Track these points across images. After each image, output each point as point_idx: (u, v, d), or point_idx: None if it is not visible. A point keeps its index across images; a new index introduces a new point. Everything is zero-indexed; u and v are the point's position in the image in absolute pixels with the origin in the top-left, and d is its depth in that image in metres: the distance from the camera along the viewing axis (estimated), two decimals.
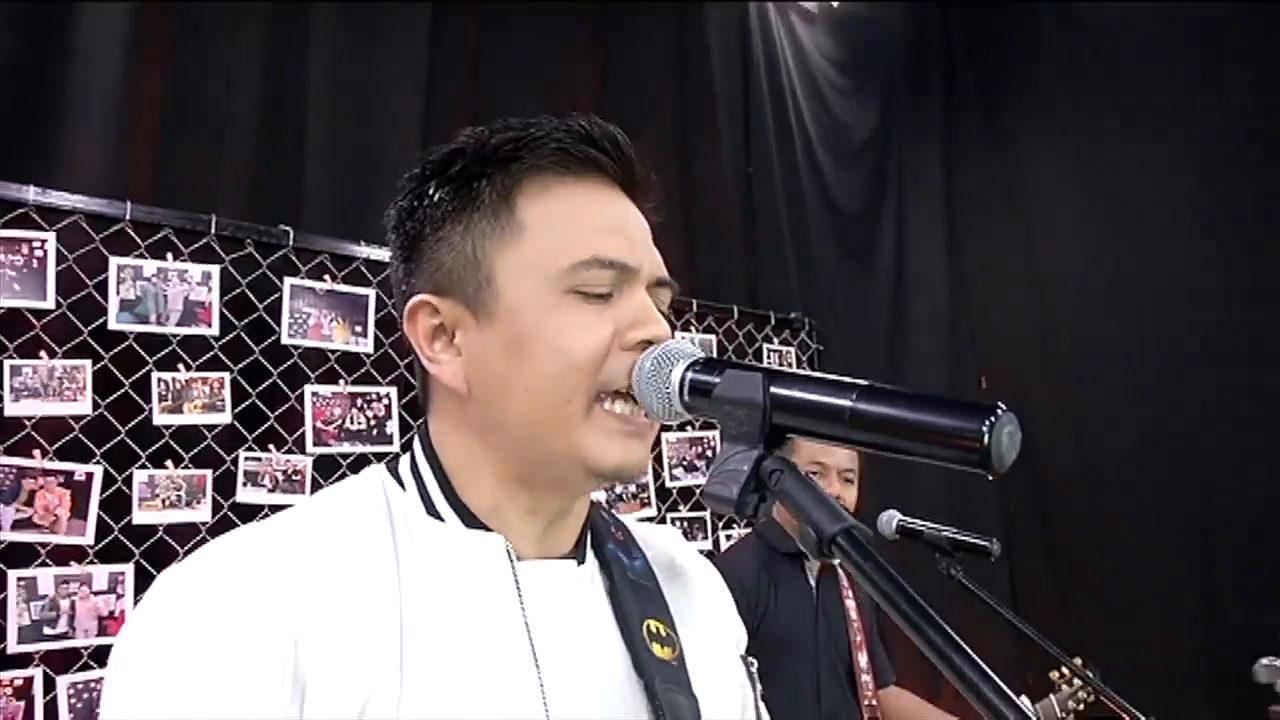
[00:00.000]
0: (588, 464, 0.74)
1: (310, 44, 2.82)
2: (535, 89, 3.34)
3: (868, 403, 0.61)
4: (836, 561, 1.92)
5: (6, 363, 2.03)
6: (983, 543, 1.90)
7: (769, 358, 3.49)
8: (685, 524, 3.16)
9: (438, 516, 0.77)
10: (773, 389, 0.65)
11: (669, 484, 3.14)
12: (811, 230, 4.14)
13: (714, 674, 0.84)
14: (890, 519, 2.12)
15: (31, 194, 2.09)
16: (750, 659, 0.90)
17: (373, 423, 2.53)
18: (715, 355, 3.20)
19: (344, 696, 0.65)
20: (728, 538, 3.19)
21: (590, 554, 0.83)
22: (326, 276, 2.53)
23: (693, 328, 3.30)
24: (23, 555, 1.99)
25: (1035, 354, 4.30)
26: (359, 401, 2.52)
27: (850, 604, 2.37)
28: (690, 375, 0.70)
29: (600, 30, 3.59)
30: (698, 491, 3.20)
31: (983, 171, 4.55)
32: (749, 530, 2.54)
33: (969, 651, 0.51)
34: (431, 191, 0.78)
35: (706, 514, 3.19)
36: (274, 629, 0.65)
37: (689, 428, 3.21)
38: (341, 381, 2.51)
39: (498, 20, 3.30)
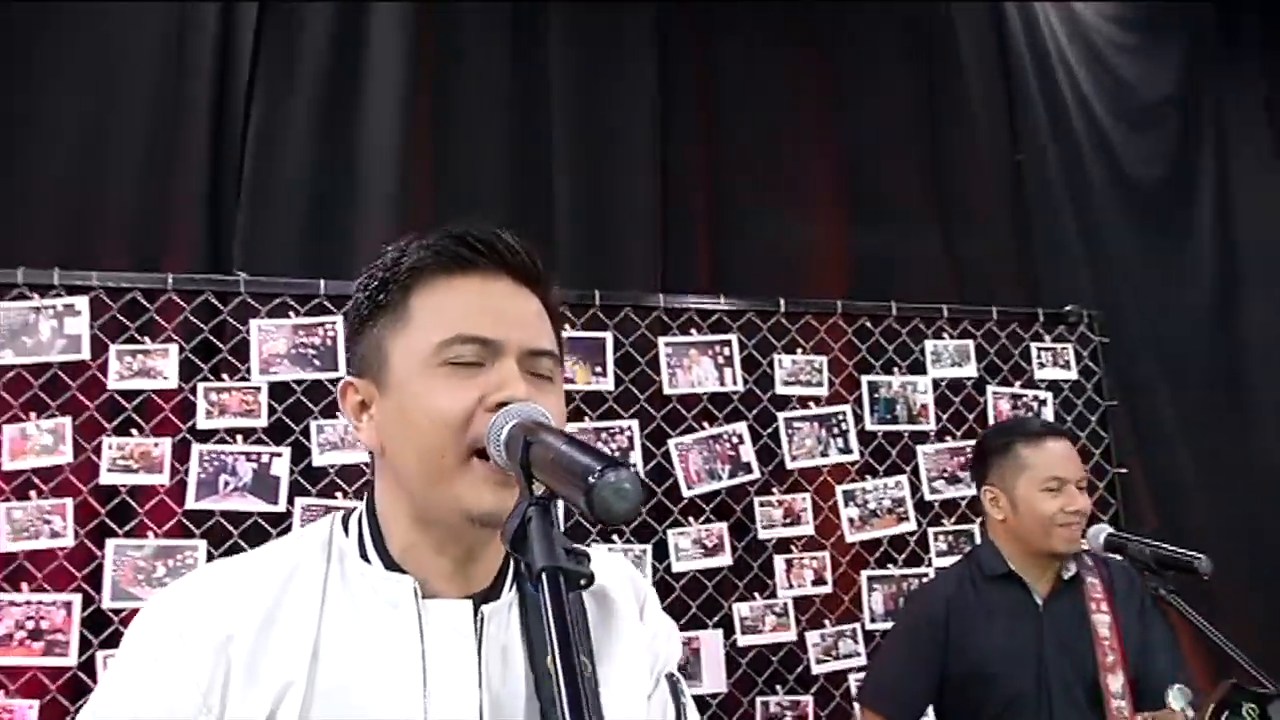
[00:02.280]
0: (464, 511, 0.88)
1: (552, 113, 3.16)
2: (768, 99, 3.42)
3: (545, 447, 0.74)
4: (1067, 575, 1.83)
5: (313, 423, 2.53)
6: (1191, 558, 1.71)
7: (1039, 357, 3.27)
8: (951, 538, 3.06)
9: (366, 559, 0.94)
10: (529, 449, 0.77)
11: (928, 497, 3.06)
12: (1101, 211, 3.79)
13: (628, 699, 0.95)
14: (1099, 532, 1.98)
15: (322, 286, 2.58)
16: (677, 676, 1.00)
17: (617, 453, 2.77)
18: (978, 363, 3.11)
19: (256, 707, 0.84)
20: None
21: (512, 589, 0.96)
22: (567, 324, 2.82)
23: (946, 335, 3.18)
24: None
25: None
26: (602, 435, 2.78)
27: (1101, 618, 2.17)
28: (510, 432, 0.81)
29: (828, 29, 3.57)
30: (962, 503, 3.09)
31: None
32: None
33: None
34: (359, 298, 0.98)
35: (974, 526, 3.06)
36: (203, 649, 0.86)
37: (947, 438, 3.12)
38: (586, 419, 2.78)
39: (722, 39, 3.43)
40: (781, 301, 3.01)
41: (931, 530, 3.05)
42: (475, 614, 0.92)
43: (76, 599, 2.34)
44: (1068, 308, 3.35)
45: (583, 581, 0.69)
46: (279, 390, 2.53)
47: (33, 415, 2.40)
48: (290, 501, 2.48)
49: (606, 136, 3.21)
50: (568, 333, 2.81)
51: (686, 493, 2.82)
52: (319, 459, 2.53)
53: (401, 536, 0.94)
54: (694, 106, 3.38)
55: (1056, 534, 2.08)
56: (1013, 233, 3.64)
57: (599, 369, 2.82)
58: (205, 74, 2.77)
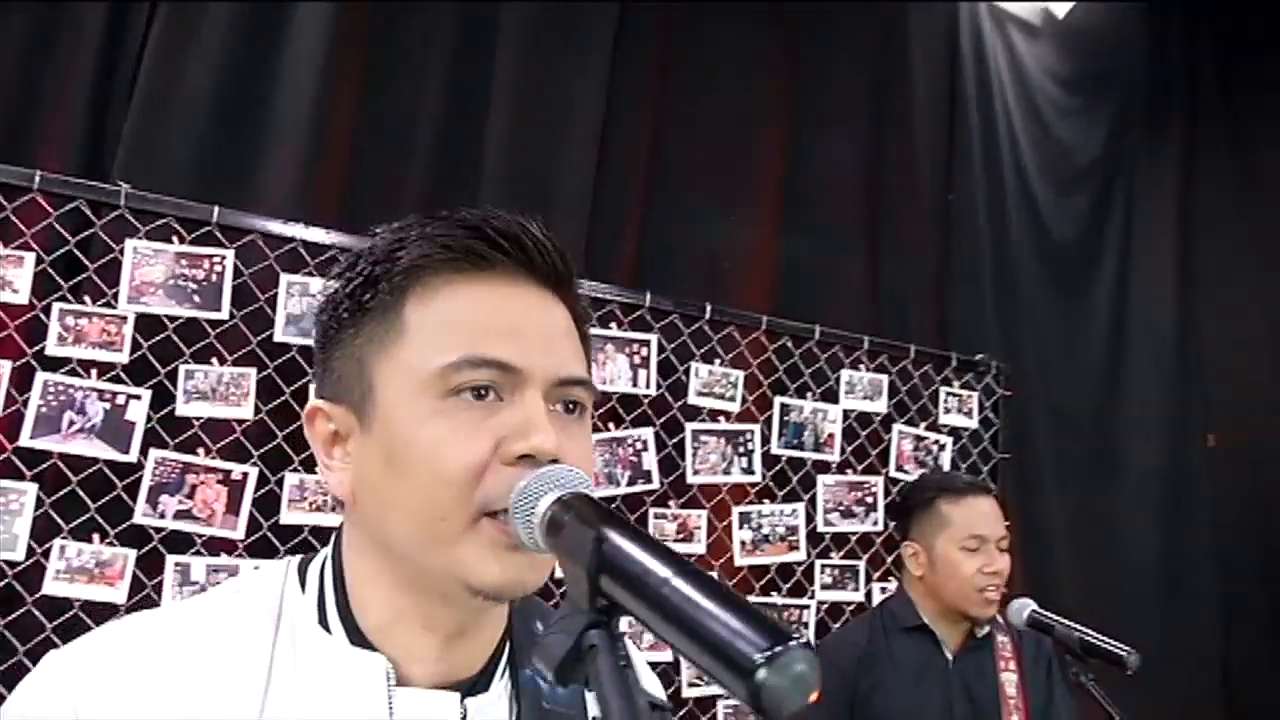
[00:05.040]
0: (467, 582, 0.69)
1: (493, 67, 2.91)
2: (719, 104, 3.29)
3: (679, 585, 0.52)
4: (983, 632, 1.77)
5: (182, 367, 2.23)
6: (1119, 650, 1.67)
7: (947, 402, 3.26)
8: (837, 571, 3.01)
9: (326, 628, 0.74)
10: (604, 547, 0.57)
11: (821, 528, 3.00)
12: (1017, 263, 3.82)
13: None
14: (1022, 608, 1.94)
15: (216, 214, 2.28)
16: None
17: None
18: (889, 399, 3.07)
19: None
20: (882, 590, 3.00)
21: (504, 678, 0.78)
22: None
23: (863, 366, 3.12)
24: (180, 543, 2.19)
25: (1277, 411, 3.77)
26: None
27: (1009, 677, 2.16)
28: (552, 510, 0.63)
29: (794, 38, 3.47)
30: (852, 538, 3.04)
31: (1224, 202, 4.04)
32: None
33: None
34: (336, 295, 0.76)
35: (860, 563, 3.02)
36: None
37: (848, 471, 3.06)
38: None
39: (684, 32, 3.27)
40: (708, 307, 2.87)
41: (819, 562, 2.98)
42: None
43: None
44: (979, 356, 3.35)
45: None
46: (147, 324, 2.21)
47: None
48: (143, 453, 2.17)
49: (550, 101, 2.98)
50: None
51: None
52: (183, 408, 2.23)
53: (378, 607, 0.74)
54: (644, 90, 3.19)
55: (973, 598, 2.04)
56: (934, 271, 3.63)
57: None
58: None
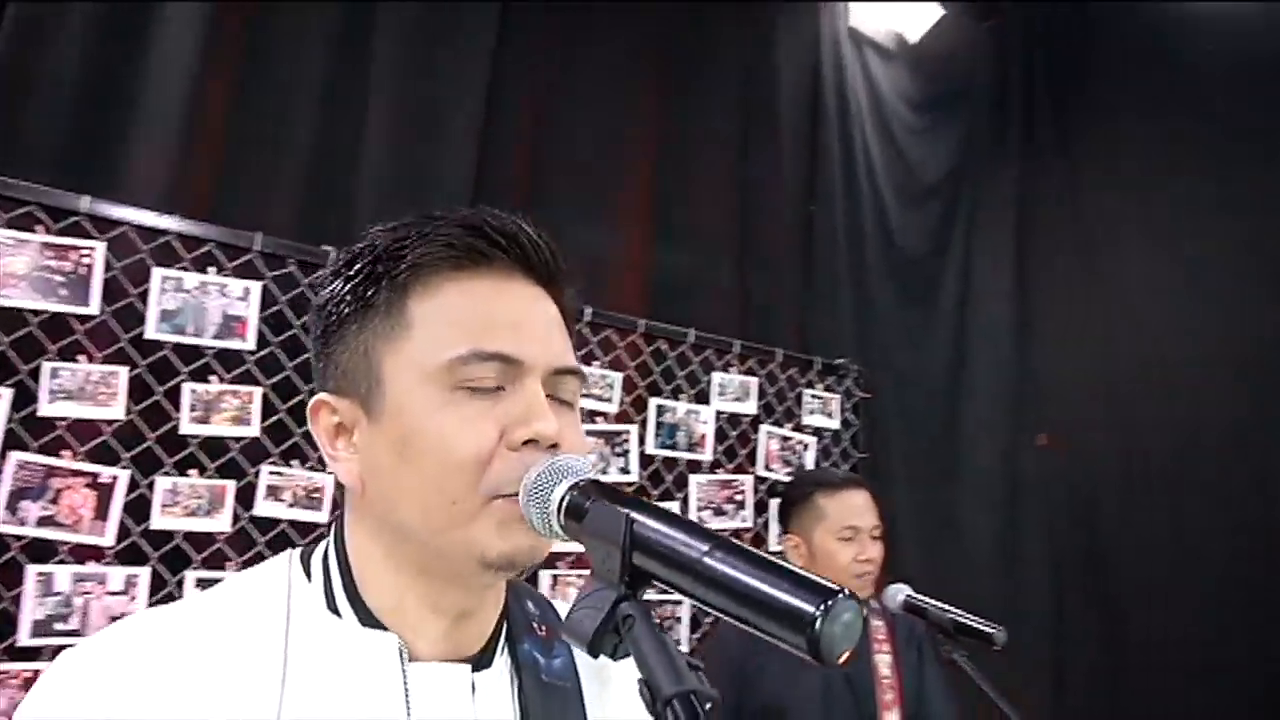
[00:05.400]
0: (481, 556, 0.73)
1: (372, 65, 2.88)
2: (596, 111, 3.35)
3: (718, 558, 0.59)
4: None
5: (46, 364, 2.11)
6: (989, 630, 1.84)
7: (810, 403, 3.43)
8: None
9: (336, 612, 0.77)
10: (635, 529, 0.63)
11: None
12: (871, 273, 4.06)
13: None
14: (897, 592, 2.08)
15: (85, 203, 2.17)
16: None
17: None
18: (758, 401, 3.22)
19: None
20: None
21: (504, 654, 0.82)
22: None
23: (733, 368, 3.26)
24: (44, 552, 2.07)
25: (1100, 413, 4.13)
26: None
27: (883, 659, 2.30)
28: (570, 496, 0.68)
29: (666, 52, 3.58)
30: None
31: (1056, 218, 4.39)
32: None
33: None
34: (338, 290, 0.79)
35: None
36: None
37: (718, 469, 3.19)
38: None
39: (563, 39, 3.32)
40: (588, 310, 2.93)
41: None
42: None
43: None
44: (839, 360, 3.55)
45: (709, 706, 0.57)
46: (9, 318, 2.09)
47: None
48: (2, 456, 2.05)
49: (430, 101, 2.97)
50: None
51: None
52: (47, 408, 2.11)
53: (386, 590, 0.77)
54: (523, 94, 3.22)
55: (850, 584, 2.17)
56: (797, 278, 3.80)
57: None
58: None
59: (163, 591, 2.19)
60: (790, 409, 3.39)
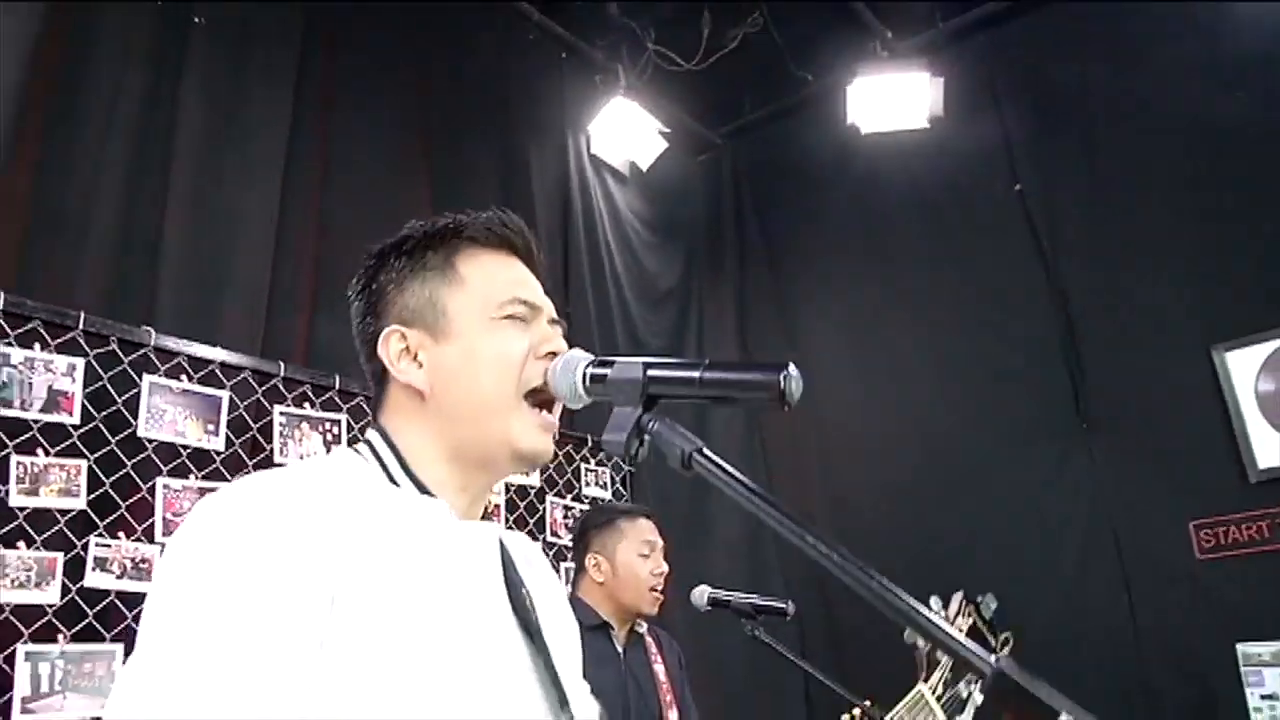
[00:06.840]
0: (513, 446, 1.05)
1: (173, 153, 2.99)
2: (374, 213, 3.62)
3: (709, 371, 0.92)
4: (641, 630, 2.26)
5: None
6: (780, 605, 2.28)
7: (586, 478, 3.83)
8: None
9: (394, 484, 1.04)
10: (649, 372, 0.95)
11: None
12: None
13: (561, 625, 1.18)
14: (702, 593, 2.43)
15: None
16: None
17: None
18: (540, 474, 3.55)
19: (364, 608, 0.87)
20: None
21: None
22: (184, 376, 2.68)
23: None
24: None
25: (816, 471, 4.85)
26: (207, 496, 2.63)
27: (659, 668, 2.67)
28: (590, 370, 1.01)
29: (431, 164, 3.92)
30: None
31: (768, 315, 5.19)
32: None
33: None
34: (393, 260, 1.13)
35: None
36: (312, 553, 0.86)
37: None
38: (192, 476, 2.62)
39: (345, 148, 3.58)
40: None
41: None
42: None
43: None
44: None
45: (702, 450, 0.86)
46: None
47: None
48: None
49: (227, 195, 3.11)
50: (184, 385, 2.67)
51: None
52: None
53: (429, 471, 1.05)
54: (311, 190, 3.40)
55: (647, 596, 2.58)
56: None
57: (211, 427, 2.70)
58: None
59: None
60: (570, 481, 3.77)
